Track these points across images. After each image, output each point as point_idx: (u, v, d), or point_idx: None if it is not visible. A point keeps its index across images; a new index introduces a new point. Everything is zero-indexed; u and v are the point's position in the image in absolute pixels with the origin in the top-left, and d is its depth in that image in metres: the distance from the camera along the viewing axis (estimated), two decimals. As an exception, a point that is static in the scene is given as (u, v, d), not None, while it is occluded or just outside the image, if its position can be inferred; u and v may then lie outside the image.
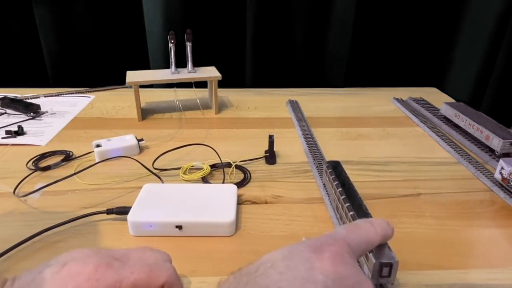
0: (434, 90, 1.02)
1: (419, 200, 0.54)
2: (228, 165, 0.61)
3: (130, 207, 0.47)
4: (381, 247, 0.36)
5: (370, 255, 0.36)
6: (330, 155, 0.66)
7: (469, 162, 0.63)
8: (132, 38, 0.97)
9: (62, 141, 0.69)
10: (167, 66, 0.81)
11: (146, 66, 1.00)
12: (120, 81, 0.80)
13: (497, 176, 0.56)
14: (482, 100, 0.90)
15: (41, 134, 0.71)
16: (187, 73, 0.79)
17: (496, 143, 0.64)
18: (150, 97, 0.91)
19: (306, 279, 0.26)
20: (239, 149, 0.67)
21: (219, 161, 0.61)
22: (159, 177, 0.57)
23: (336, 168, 0.51)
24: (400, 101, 0.91)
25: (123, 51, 0.98)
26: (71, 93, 0.92)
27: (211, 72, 0.80)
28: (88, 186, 0.55)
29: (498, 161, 0.56)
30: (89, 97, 0.91)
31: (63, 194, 0.53)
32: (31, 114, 0.78)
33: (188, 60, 0.79)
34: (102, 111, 0.83)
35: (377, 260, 0.36)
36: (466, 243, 0.46)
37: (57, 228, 0.45)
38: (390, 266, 0.36)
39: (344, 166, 0.52)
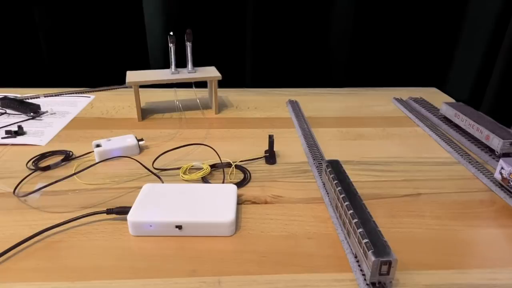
0: (434, 90, 1.02)
1: (419, 200, 0.54)
2: (228, 165, 0.61)
3: (130, 207, 0.47)
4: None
5: (370, 252, 0.36)
6: (330, 155, 0.66)
7: (469, 162, 0.63)
8: (132, 38, 0.97)
9: (62, 141, 0.69)
10: (167, 66, 0.81)
11: (146, 66, 1.00)
12: (120, 81, 0.80)
13: (497, 176, 0.56)
14: (482, 100, 0.90)
15: (41, 134, 0.71)
16: (187, 73, 0.79)
17: (496, 143, 0.64)
18: (150, 97, 0.91)
19: None
20: (239, 149, 0.67)
21: (219, 161, 0.61)
22: (159, 177, 0.57)
23: (335, 167, 0.51)
24: (400, 101, 0.91)
25: (123, 51, 0.99)
26: (71, 93, 0.92)
27: (211, 72, 0.80)
28: (88, 186, 0.55)
29: (498, 161, 0.56)
30: (89, 97, 0.91)
31: (63, 194, 0.53)
32: (31, 114, 0.78)
33: (188, 60, 0.79)
34: (102, 111, 0.83)
35: (376, 258, 0.36)
36: (466, 243, 0.46)
37: (57, 228, 0.46)
38: (389, 263, 0.36)
39: (344, 166, 0.52)
